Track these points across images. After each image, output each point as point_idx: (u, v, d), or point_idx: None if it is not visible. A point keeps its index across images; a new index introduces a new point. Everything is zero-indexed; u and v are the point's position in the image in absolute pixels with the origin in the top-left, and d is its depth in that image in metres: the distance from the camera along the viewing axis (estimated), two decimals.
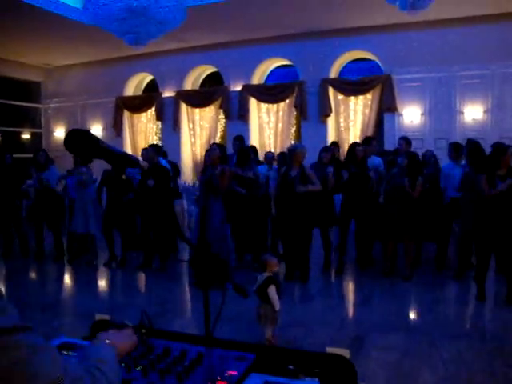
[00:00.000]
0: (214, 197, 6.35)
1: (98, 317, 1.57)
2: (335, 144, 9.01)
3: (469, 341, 4.45)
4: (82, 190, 7.66)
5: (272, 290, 4.31)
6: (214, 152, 6.58)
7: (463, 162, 7.00)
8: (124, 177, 6.69)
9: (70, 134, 1.32)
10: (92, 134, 1.34)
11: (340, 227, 7.17)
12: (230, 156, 7.91)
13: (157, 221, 7.13)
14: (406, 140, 7.58)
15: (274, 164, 8.19)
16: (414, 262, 6.78)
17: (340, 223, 7.13)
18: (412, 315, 5.54)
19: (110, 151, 1.37)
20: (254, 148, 8.41)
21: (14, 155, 10.13)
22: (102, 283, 7.37)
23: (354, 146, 7.28)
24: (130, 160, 1.45)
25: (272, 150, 12.21)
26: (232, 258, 6.86)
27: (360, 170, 6.90)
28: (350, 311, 5.71)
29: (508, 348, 4.26)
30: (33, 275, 7.92)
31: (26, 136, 15.79)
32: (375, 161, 7.48)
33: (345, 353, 1.68)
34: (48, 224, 8.23)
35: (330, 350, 1.70)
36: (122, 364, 1.55)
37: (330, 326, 4.93)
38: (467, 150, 6.67)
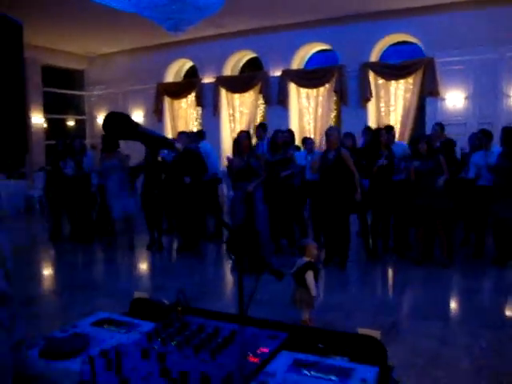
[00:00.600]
0: (255, 182, 6.37)
1: (137, 295, 1.64)
2: (368, 129, 8.66)
3: (509, 331, 4.34)
4: (115, 175, 7.76)
5: (310, 276, 4.33)
6: (245, 139, 6.58)
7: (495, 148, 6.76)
8: (160, 158, 6.79)
9: (108, 117, 1.37)
10: (128, 116, 1.38)
11: (372, 213, 7.10)
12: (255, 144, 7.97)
13: (189, 204, 7.30)
14: (440, 126, 7.34)
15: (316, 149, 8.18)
16: (449, 248, 6.64)
17: (371, 209, 7.07)
18: (450, 303, 5.42)
19: (146, 133, 1.42)
20: (290, 132, 8.38)
21: None
22: (143, 265, 7.56)
23: (378, 131, 7.20)
24: (166, 142, 1.49)
25: (312, 136, 12.19)
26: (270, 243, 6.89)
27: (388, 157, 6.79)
28: (388, 297, 5.64)
29: None
30: (76, 258, 8.18)
31: (70, 123, 16.22)
32: (398, 148, 7.32)
33: (376, 334, 1.70)
34: (82, 209, 8.50)
35: (361, 330, 1.72)
36: (158, 339, 1.62)
37: (366, 311, 4.93)
38: (504, 135, 6.46)
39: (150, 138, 1.43)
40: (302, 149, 8.34)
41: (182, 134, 8.04)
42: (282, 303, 4.98)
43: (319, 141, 8.17)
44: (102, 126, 1.38)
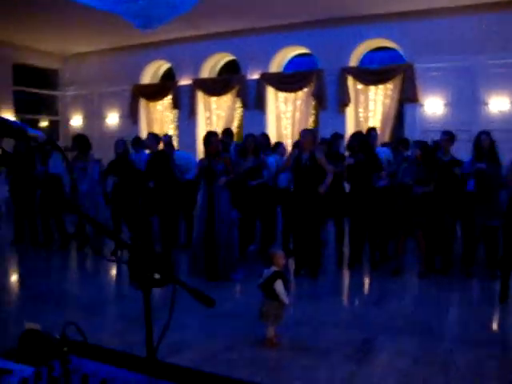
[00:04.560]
0: (219, 185, 6.10)
1: (28, 326, 1.33)
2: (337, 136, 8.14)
3: (489, 348, 4.07)
4: (85, 178, 7.50)
5: (279, 285, 4.09)
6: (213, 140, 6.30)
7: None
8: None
9: None
10: None
11: (351, 220, 6.88)
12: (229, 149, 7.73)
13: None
14: (449, 136, 6.88)
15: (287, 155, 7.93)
16: (428, 258, 6.44)
17: (350, 215, 6.85)
18: (427, 317, 4.99)
19: None
20: (265, 136, 8.12)
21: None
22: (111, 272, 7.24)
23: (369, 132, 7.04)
24: (12, 129, 1.21)
25: (289, 140, 11.99)
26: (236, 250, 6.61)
27: (367, 157, 6.57)
28: (360, 310, 5.37)
29: None
30: (42, 263, 7.81)
31: (44, 123, 15.79)
32: (380, 152, 7.13)
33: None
34: (53, 212, 8.14)
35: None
36: None
37: (337, 325, 4.68)
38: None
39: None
40: (275, 154, 8.06)
41: (151, 134, 7.79)
42: (248, 317, 4.74)
43: (292, 146, 7.98)
44: None
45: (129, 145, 8.05)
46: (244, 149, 6.97)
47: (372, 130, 7.52)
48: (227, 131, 8.33)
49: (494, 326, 4.94)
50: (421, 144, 6.31)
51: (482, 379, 3.57)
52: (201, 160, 6.47)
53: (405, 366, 3.75)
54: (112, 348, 1.45)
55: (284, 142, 12.06)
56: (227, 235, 6.16)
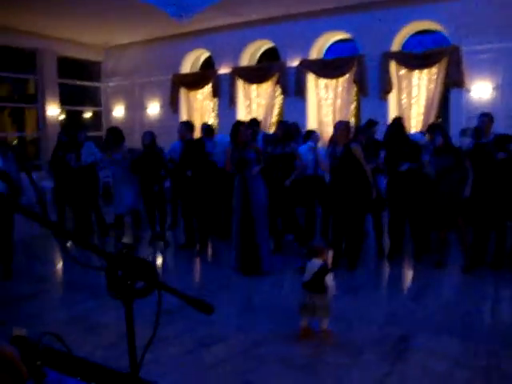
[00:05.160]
0: (252, 174, 6.00)
1: (16, 332, 1.25)
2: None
3: None
4: (120, 169, 7.54)
5: (330, 279, 4.00)
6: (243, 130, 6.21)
7: None
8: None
9: None
10: None
11: (391, 212, 6.63)
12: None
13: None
14: (488, 117, 6.60)
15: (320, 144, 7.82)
16: (475, 251, 6.15)
17: (390, 207, 6.62)
18: (470, 316, 4.70)
19: None
20: (295, 125, 7.93)
21: None
22: None
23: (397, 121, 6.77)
24: None
25: (330, 128, 11.74)
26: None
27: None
28: (398, 305, 5.11)
29: None
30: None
31: (87, 115, 16.07)
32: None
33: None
34: (89, 201, 8.28)
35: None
36: None
37: (373, 321, 4.51)
38: None
39: None
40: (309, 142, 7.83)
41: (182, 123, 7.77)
42: (282, 310, 4.64)
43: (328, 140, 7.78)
44: None
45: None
46: (275, 137, 6.83)
47: (397, 119, 7.10)
48: (254, 121, 8.24)
49: None
50: (441, 131, 6.04)
51: None
52: (229, 150, 6.34)
53: (443, 368, 3.56)
54: (95, 362, 1.35)
55: (325, 129, 11.86)
56: (264, 224, 6.07)
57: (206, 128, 8.70)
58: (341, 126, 6.14)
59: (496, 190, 5.90)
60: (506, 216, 6.04)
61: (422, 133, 7.85)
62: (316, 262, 4.06)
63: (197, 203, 7.28)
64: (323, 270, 3.98)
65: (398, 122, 6.77)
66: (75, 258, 1.26)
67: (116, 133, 7.69)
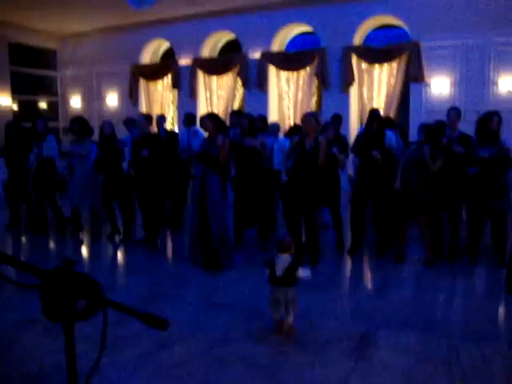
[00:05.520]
0: (212, 169, 5.86)
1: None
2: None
3: (496, 345, 3.82)
4: (82, 163, 7.29)
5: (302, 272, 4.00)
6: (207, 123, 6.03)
7: None
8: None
9: None
10: None
11: (353, 205, 6.61)
12: (229, 129, 7.48)
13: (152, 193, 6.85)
14: (457, 111, 6.62)
15: (280, 136, 7.86)
16: (436, 244, 6.20)
17: (354, 201, 6.60)
18: (431, 310, 4.69)
19: None
20: (263, 118, 7.86)
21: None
22: (101, 258, 7.04)
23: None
24: None
25: (291, 121, 11.72)
26: (231, 236, 6.40)
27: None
28: (360, 301, 5.05)
29: None
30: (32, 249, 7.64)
31: (42, 105, 15.54)
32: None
33: None
34: (47, 196, 7.92)
35: None
36: None
37: (335, 318, 4.46)
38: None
39: None
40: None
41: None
42: (243, 308, 4.55)
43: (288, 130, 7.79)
44: None
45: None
46: (243, 129, 6.70)
47: (374, 110, 7.19)
48: (238, 112, 8.41)
49: (501, 320, 4.71)
50: (424, 127, 6.05)
51: (487, 379, 3.35)
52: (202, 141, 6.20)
53: (405, 363, 3.53)
54: None
55: (286, 122, 11.81)
56: (220, 220, 5.94)
57: (187, 115, 8.51)
58: (310, 119, 6.00)
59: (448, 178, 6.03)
60: (453, 196, 6.14)
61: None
62: (285, 258, 3.99)
63: (152, 193, 7.04)
64: (294, 265, 3.94)
65: (378, 113, 6.88)
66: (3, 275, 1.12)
67: (82, 124, 7.33)
